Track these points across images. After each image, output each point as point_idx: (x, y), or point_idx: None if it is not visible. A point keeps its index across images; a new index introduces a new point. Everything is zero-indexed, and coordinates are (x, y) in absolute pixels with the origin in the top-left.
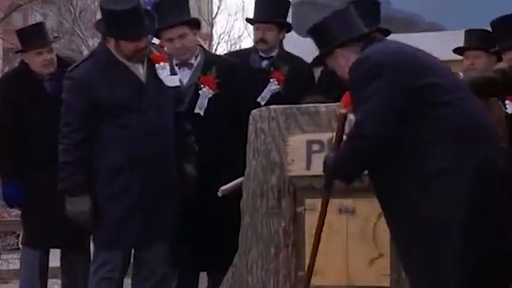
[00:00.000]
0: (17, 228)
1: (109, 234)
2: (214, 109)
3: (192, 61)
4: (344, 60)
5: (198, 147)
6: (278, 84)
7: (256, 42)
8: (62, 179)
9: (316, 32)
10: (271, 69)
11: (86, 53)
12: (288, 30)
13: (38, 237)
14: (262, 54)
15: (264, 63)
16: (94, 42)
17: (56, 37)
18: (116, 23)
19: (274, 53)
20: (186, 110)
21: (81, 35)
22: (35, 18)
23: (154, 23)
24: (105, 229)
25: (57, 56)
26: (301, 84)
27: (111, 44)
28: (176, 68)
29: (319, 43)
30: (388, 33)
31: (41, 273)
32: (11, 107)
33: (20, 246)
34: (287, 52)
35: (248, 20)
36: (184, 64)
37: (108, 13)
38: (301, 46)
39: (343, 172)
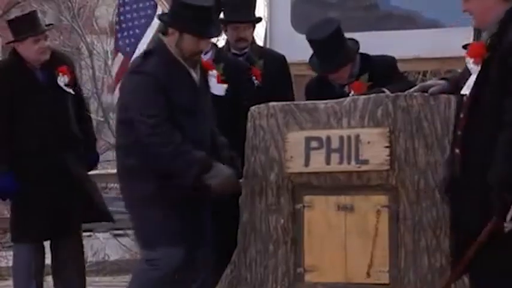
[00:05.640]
0: None
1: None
2: (218, 105)
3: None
4: (487, 6)
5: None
6: (256, 79)
7: (236, 41)
8: (189, 164)
9: None
10: (248, 65)
11: (84, 50)
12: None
13: (30, 229)
14: (237, 52)
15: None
16: (92, 39)
17: (49, 24)
18: (199, 19)
19: (247, 49)
20: None
21: (80, 32)
22: None
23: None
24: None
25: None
26: (278, 75)
27: (171, 41)
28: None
29: None
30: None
31: (36, 270)
32: (4, 100)
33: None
34: (258, 46)
35: (226, 21)
36: None
37: (194, 8)
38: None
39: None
